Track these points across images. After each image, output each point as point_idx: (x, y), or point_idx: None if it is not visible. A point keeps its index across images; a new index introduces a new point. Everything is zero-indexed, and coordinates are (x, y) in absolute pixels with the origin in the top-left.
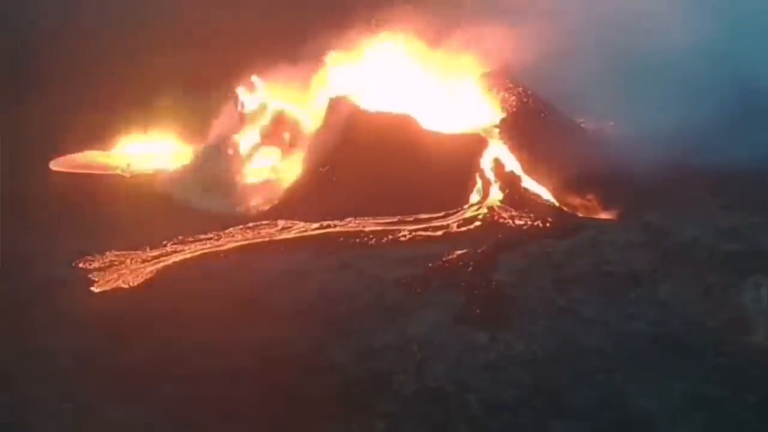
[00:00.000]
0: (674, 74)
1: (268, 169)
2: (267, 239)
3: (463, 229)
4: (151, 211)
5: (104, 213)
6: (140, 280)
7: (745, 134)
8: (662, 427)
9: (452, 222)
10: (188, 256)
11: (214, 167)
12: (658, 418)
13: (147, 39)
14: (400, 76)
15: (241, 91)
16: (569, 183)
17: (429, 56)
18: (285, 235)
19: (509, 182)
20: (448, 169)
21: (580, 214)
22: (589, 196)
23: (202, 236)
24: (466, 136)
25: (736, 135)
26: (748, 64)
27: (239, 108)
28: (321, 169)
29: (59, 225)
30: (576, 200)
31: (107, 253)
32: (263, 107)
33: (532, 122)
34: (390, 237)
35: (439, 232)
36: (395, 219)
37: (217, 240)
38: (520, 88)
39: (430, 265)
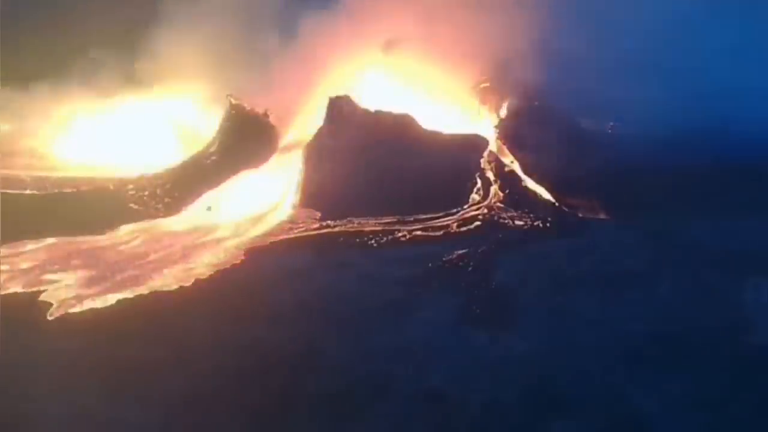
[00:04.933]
0: (674, 74)
1: None
2: (267, 239)
3: (463, 229)
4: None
5: None
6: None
7: (746, 134)
8: (662, 427)
9: (452, 222)
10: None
11: None
12: (658, 418)
13: None
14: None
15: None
16: (569, 183)
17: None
18: (285, 235)
19: (509, 182)
20: (448, 169)
21: (580, 214)
22: (589, 196)
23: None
24: (466, 136)
25: (737, 135)
26: (749, 64)
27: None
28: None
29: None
30: (576, 200)
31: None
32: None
33: (532, 122)
34: (390, 237)
35: (439, 232)
36: (395, 219)
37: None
38: (520, 88)
39: (430, 265)
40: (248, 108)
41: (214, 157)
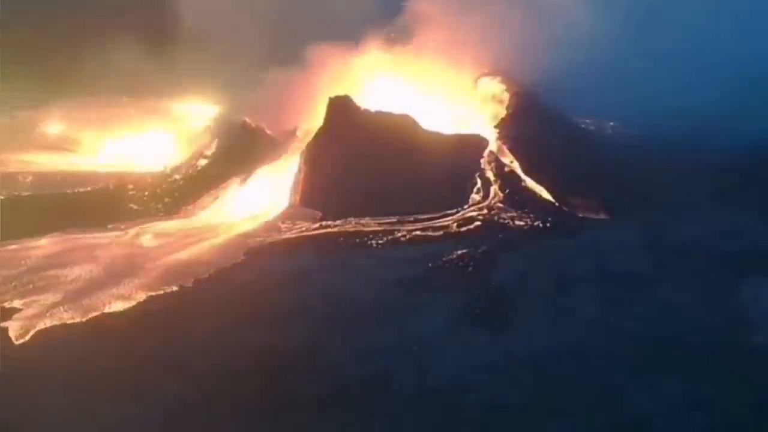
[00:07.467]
0: (675, 73)
1: None
2: (267, 239)
3: (463, 229)
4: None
5: None
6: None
7: (746, 133)
8: (662, 427)
9: (452, 222)
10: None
11: None
12: (657, 418)
13: None
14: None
15: None
16: (569, 183)
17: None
18: (285, 235)
19: (509, 182)
20: (448, 169)
21: (580, 214)
22: (589, 196)
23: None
24: (466, 136)
25: (737, 134)
26: (750, 62)
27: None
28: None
29: None
30: (576, 200)
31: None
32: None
33: (532, 122)
34: (390, 237)
35: (439, 232)
36: (395, 219)
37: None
38: (520, 88)
39: (430, 265)
40: (250, 120)
41: (214, 158)
